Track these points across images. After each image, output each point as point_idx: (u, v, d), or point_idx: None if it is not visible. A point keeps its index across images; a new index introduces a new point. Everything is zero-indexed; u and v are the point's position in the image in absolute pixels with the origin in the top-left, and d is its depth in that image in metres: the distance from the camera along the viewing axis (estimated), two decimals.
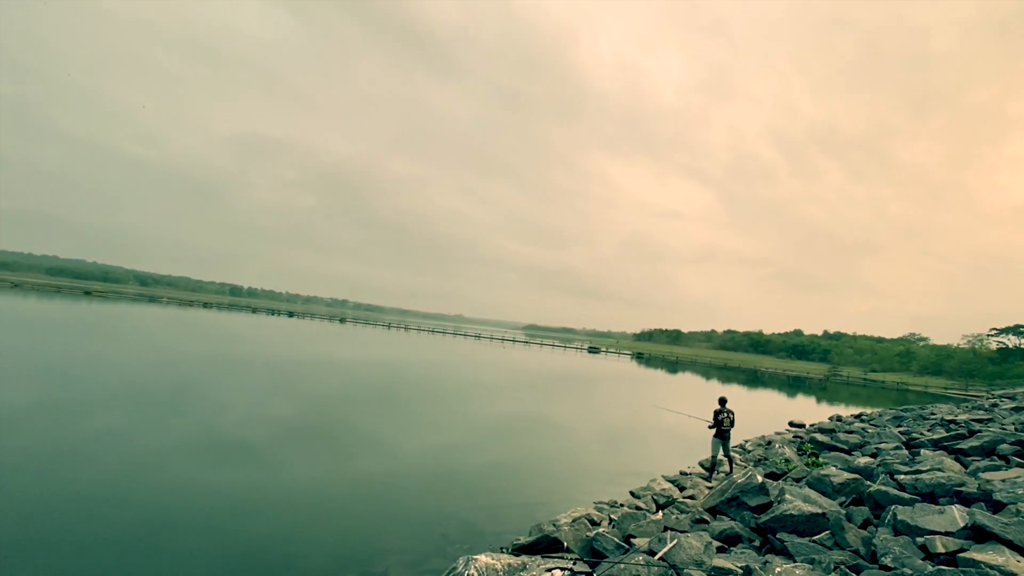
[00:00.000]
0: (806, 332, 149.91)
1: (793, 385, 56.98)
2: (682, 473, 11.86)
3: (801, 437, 16.27)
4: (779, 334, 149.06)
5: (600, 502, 9.18)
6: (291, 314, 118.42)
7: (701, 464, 12.98)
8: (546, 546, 6.86)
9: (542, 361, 52.10)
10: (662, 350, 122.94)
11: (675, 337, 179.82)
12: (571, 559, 6.48)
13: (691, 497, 9.55)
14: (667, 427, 19.18)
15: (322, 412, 15.93)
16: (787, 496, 6.96)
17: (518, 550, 6.91)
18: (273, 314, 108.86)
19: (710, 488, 10.15)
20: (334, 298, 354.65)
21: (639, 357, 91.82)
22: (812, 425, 20.90)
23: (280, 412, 15.12)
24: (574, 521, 7.66)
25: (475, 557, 5.78)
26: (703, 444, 15.57)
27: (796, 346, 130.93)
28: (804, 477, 9.56)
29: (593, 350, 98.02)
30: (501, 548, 7.09)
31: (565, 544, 6.83)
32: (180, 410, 14.06)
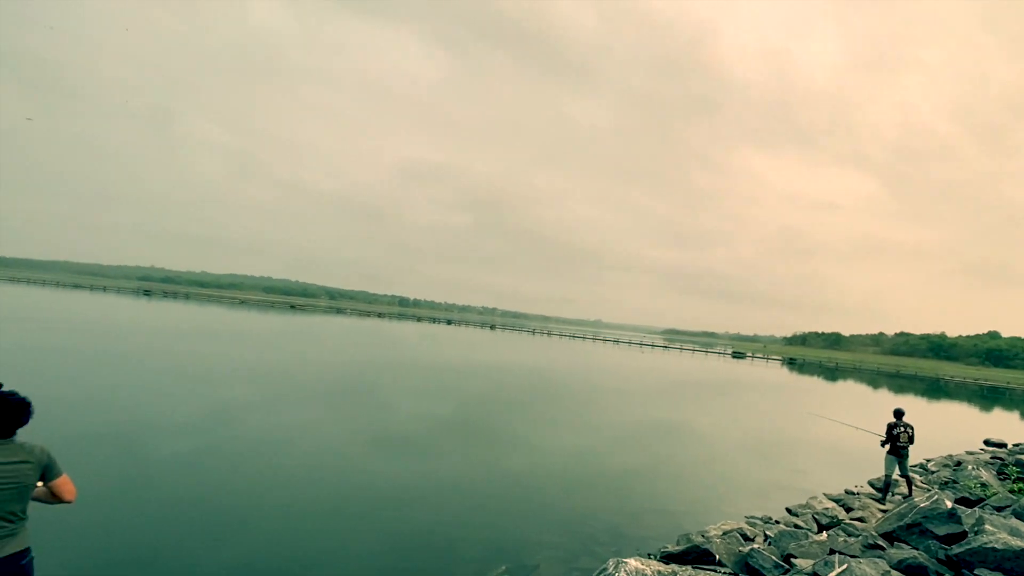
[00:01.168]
0: (1004, 334, 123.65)
1: (988, 397, 48.65)
2: (848, 492, 10.45)
3: (1002, 459, 13.69)
4: (968, 337, 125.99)
5: (752, 517, 8.31)
6: (449, 322, 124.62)
7: (872, 484, 11.35)
8: (696, 557, 6.29)
9: (682, 366, 49.60)
10: (818, 355, 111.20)
11: (834, 341, 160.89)
12: (724, 573, 5.87)
13: (860, 519, 8.30)
14: (827, 440, 17.16)
15: (473, 411, 16.33)
16: (987, 527, 5.71)
17: (667, 558, 6.41)
18: (434, 322, 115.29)
19: (884, 511, 8.78)
20: (485, 306, 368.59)
21: (791, 363, 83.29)
22: (1017, 445, 17.60)
23: (438, 410, 15.73)
24: (725, 534, 6.97)
25: (625, 560, 5.44)
26: (871, 461, 13.62)
27: (991, 351, 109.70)
28: (1009, 506, 7.85)
29: (738, 355, 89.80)
30: (648, 554, 6.64)
31: (717, 557, 6.21)
32: (358, 406, 15.16)
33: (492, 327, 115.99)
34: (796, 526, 7.83)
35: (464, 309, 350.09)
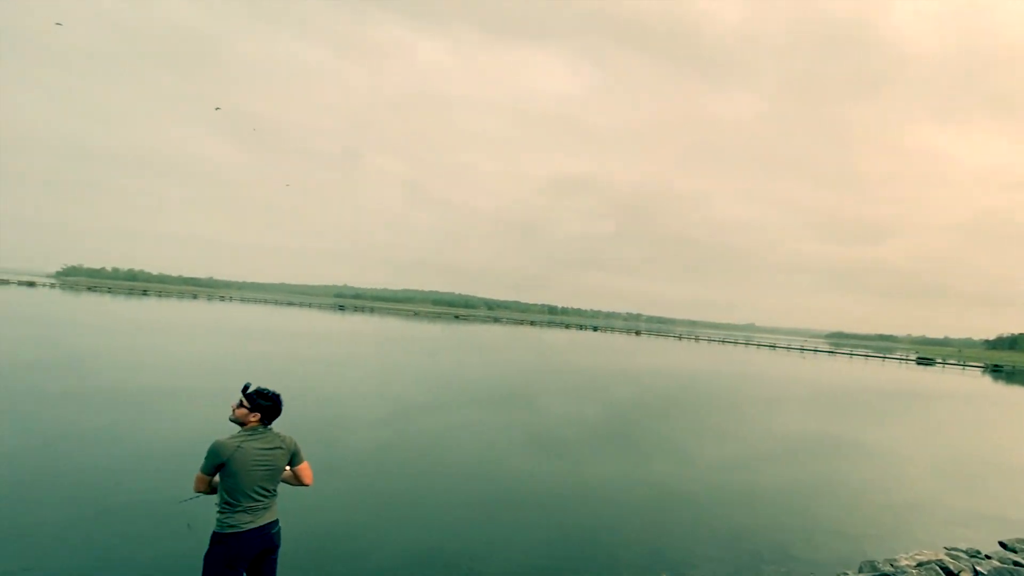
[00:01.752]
0: None
1: None
2: None
3: None
4: None
5: (954, 549, 6.91)
6: (595, 328, 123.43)
7: None
8: None
9: (853, 373, 43.76)
10: None
11: None
12: None
13: None
14: None
15: (623, 417, 15.81)
16: None
17: None
18: (581, 329, 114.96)
19: None
20: (630, 312, 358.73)
21: (995, 370, 67.03)
22: None
23: (588, 414, 15.46)
24: (920, 565, 5.88)
25: None
26: None
27: None
28: None
29: (924, 361, 75.89)
30: None
31: None
32: (515, 409, 15.44)
33: (637, 333, 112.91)
34: (1016, 563, 6.36)
35: (609, 315, 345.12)
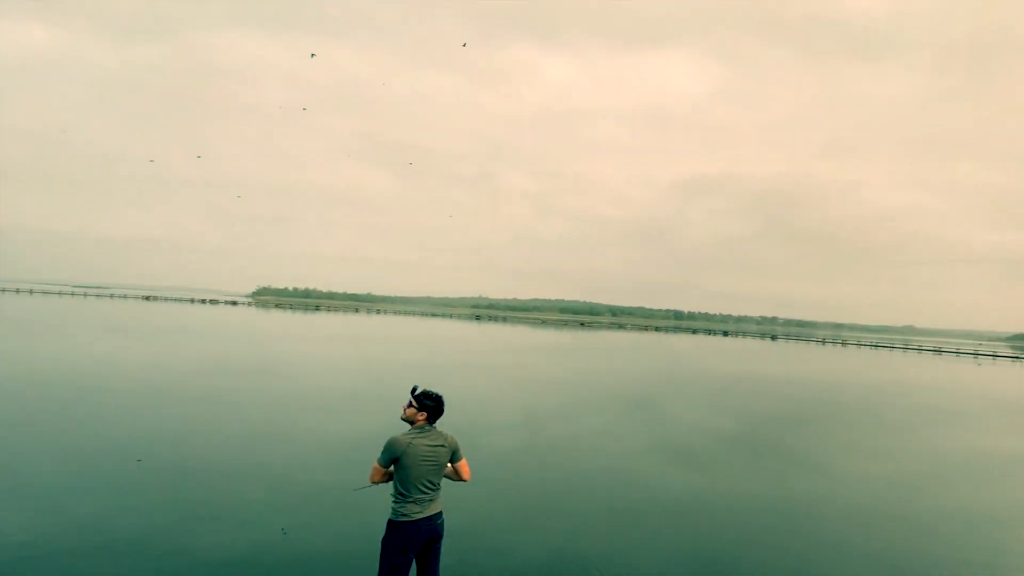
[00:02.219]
0: None
1: None
2: None
3: None
4: None
5: None
6: (725, 333, 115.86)
7: None
8: None
9: None
10: None
11: None
12: None
13: None
14: None
15: (758, 427, 14.63)
16: None
17: None
18: (710, 334, 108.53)
19: None
20: (763, 316, 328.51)
21: None
22: None
23: (719, 424, 14.54)
24: None
25: None
26: None
27: None
28: None
29: None
30: None
31: None
32: (643, 416, 14.99)
33: (773, 337, 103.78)
34: None
35: (741, 320, 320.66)
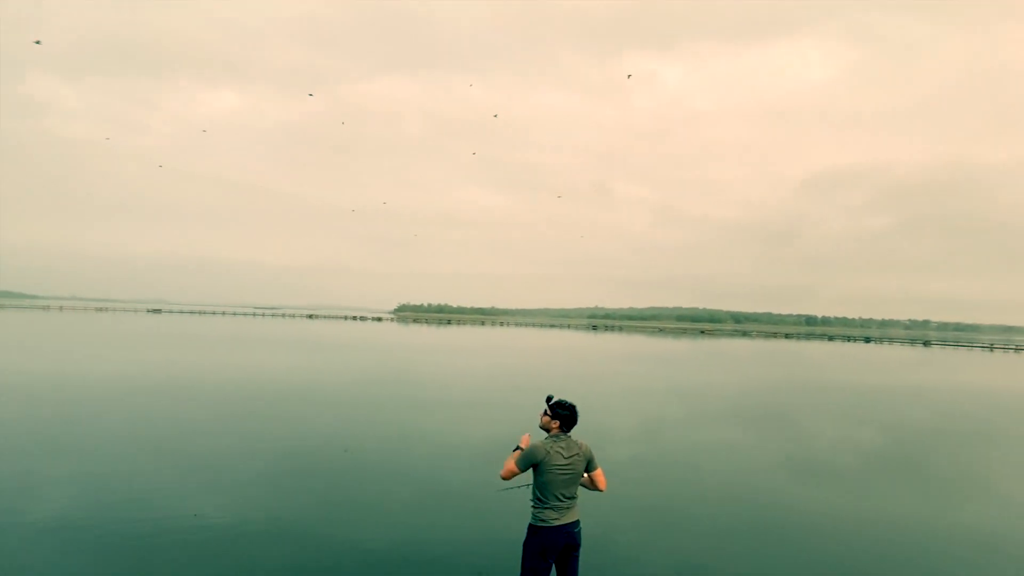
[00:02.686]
0: None
1: None
2: None
3: None
4: None
5: None
6: (867, 339, 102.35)
7: None
8: None
9: None
10: None
11: None
12: None
13: None
14: None
15: (911, 444, 12.69)
16: None
17: None
18: (848, 340, 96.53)
19: None
20: (913, 319, 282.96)
21: None
22: None
23: (865, 439, 12.85)
24: None
25: None
26: None
27: None
28: None
29: None
30: None
31: None
32: (773, 428, 13.75)
33: (926, 343, 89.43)
34: None
35: (885, 324, 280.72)
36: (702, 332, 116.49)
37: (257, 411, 12.89)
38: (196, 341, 36.79)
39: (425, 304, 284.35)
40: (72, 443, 9.35)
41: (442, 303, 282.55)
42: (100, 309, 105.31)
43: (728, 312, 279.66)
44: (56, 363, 21.39)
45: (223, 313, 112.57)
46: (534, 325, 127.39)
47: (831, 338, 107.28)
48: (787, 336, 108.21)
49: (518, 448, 3.70)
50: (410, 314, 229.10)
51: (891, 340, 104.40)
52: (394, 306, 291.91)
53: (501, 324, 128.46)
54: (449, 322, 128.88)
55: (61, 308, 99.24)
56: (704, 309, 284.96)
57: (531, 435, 3.85)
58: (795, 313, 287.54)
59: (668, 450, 10.84)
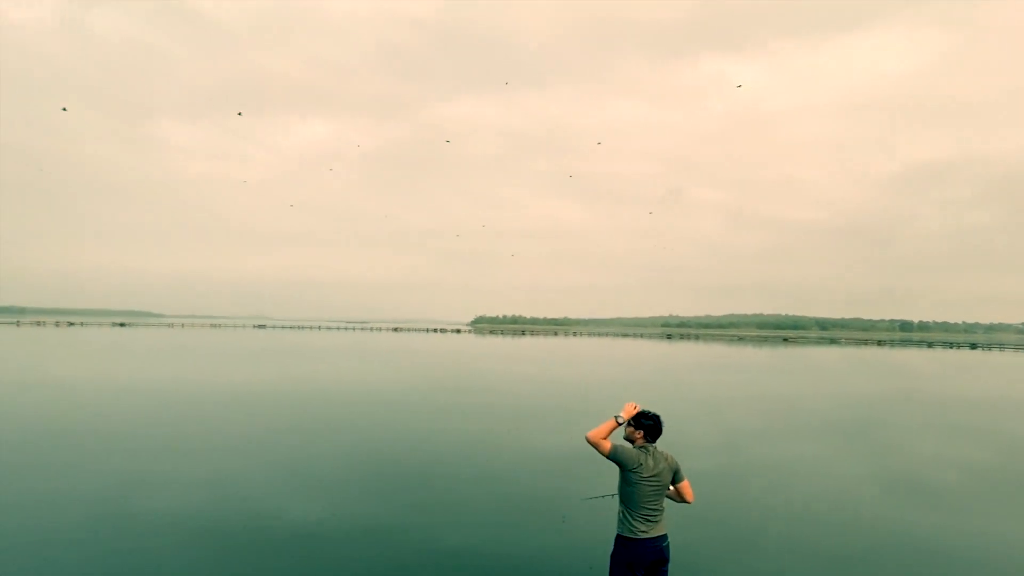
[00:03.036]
0: None
1: None
2: None
3: None
4: None
5: None
6: (973, 346, 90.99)
7: None
8: None
9: None
10: None
11: None
12: None
13: None
14: None
15: (1022, 461, 11.17)
16: None
17: None
18: (951, 347, 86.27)
19: None
20: None
21: None
22: None
23: (970, 455, 11.47)
24: None
25: None
26: None
27: None
28: None
29: None
30: None
31: None
32: (867, 443, 12.60)
33: None
34: None
35: (992, 329, 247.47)
36: (785, 340, 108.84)
37: (353, 417, 13.71)
38: (298, 354, 39.61)
39: (500, 316, 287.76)
40: (190, 445, 10.43)
41: (517, 314, 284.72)
42: (214, 326, 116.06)
43: (813, 318, 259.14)
44: (180, 373, 23.91)
45: (318, 328, 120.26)
46: (607, 335, 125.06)
47: (930, 345, 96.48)
48: (880, 343, 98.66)
49: (616, 418, 3.53)
50: (486, 326, 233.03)
51: (1001, 346, 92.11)
52: (471, 318, 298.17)
53: (574, 334, 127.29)
54: (523, 333, 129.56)
55: (183, 325, 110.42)
56: (787, 315, 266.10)
57: (637, 404, 3.65)
58: (888, 318, 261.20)
59: (754, 463, 10.22)
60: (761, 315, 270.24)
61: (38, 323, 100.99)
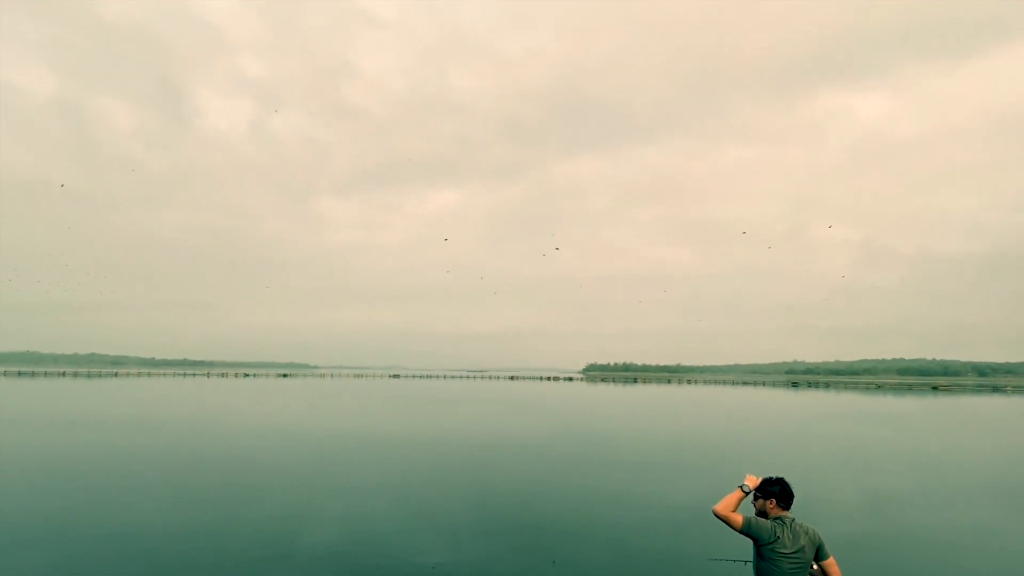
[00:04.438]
0: None
1: None
2: None
3: None
4: None
5: None
6: None
7: None
8: None
9: None
10: None
11: None
12: None
13: None
14: None
15: None
16: None
17: None
18: None
19: None
20: None
21: None
22: None
23: None
24: None
25: None
26: None
27: None
28: None
29: None
30: None
31: None
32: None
33: None
34: None
35: None
36: (935, 388, 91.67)
37: (479, 464, 13.96)
38: (429, 401, 41.58)
39: (611, 363, 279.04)
40: (337, 484, 11.26)
41: (628, 362, 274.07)
42: (358, 375, 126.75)
43: (968, 363, 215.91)
44: (331, 419, 26.22)
45: (444, 377, 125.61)
46: (724, 383, 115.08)
47: None
48: None
49: (742, 488, 3.16)
50: (597, 373, 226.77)
51: None
52: (583, 366, 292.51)
53: (688, 382, 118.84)
54: (635, 380, 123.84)
55: (332, 375, 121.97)
56: (935, 360, 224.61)
57: (757, 477, 3.31)
58: None
59: (910, 533, 8.55)
60: (902, 360, 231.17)
61: (222, 375, 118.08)
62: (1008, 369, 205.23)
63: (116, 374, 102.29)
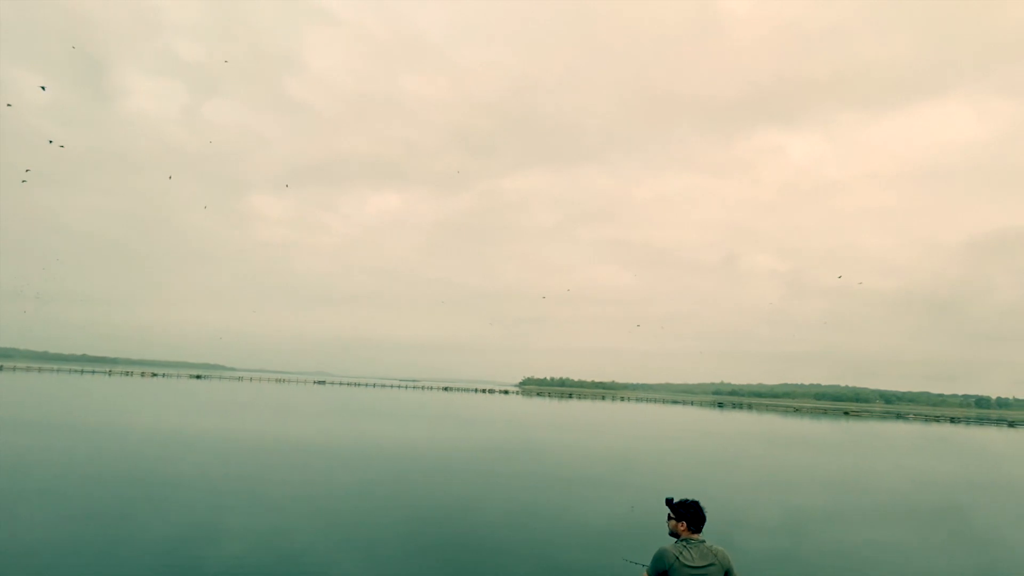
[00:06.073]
0: None
1: None
2: None
3: None
4: None
5: None
6: None
7: None
8: None
9: None
10: None
11: None
12: None
13: None
14: None
15: None
16: None
17: None
18: None
19: None
20: None
21: None
22: None
23: None
24: None
25: None
26: None
27: None
28: None
29: None
30: None
31: None
32: (949, 531, 11.12)
33: None
34: None
35: None
36: (846, 413, 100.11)
37: (402, 478, 13.54)
38: (354, 411, 40.09)
39: (548, 378, 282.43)
40: (245, 497, 10.54)
41: (564, 377, 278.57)
42: (279, 380, 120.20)
43: (877, 391, 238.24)
44: (243, 425, 24.63)
45: (373, 385, 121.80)
46: (655, 401, 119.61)
47: (1012, 424, 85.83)
48: (953, 420, 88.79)
49: (646, 568, 3.18)
50: (533, 387, 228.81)
51: None
52: (519, 379, 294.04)
53: (622, 399, 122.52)
54: (571, 396, 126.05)
55: (251, 379, 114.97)
56: (848, 387, 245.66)
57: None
58: (961, 393, 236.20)
59: (822, 550, 9.16)
60: (819, 385, 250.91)
61: (126, 373, 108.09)
62: (911, 398, 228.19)
63: (1, 367, 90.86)
